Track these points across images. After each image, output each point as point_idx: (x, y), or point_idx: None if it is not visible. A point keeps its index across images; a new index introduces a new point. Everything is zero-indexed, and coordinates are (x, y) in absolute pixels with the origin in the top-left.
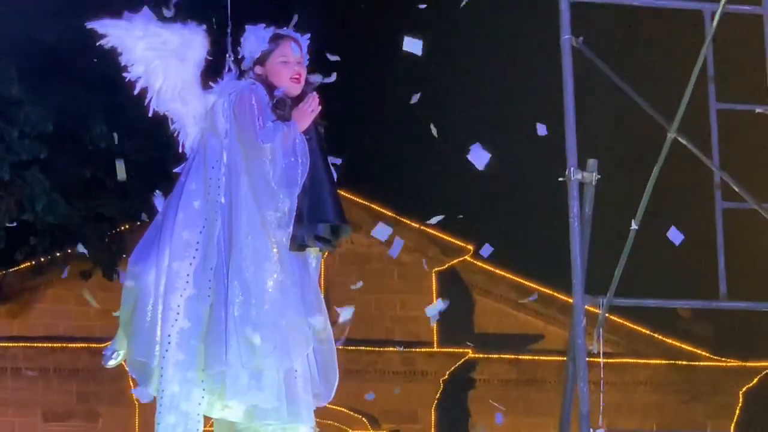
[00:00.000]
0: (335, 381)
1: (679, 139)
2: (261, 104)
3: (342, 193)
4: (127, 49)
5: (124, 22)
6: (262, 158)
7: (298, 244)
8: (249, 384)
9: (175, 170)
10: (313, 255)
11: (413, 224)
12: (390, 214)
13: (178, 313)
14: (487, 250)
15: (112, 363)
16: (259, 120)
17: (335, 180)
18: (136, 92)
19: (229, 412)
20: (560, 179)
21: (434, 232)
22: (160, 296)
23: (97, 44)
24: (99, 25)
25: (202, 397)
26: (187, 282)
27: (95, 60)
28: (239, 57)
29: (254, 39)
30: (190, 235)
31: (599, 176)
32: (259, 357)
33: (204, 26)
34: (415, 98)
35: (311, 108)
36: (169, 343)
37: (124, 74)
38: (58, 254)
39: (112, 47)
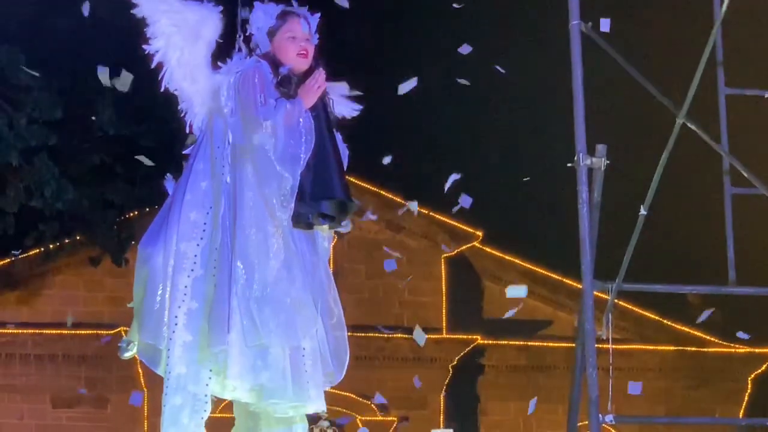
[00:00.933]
0: (346, 358)
1: (688, 124)
2: (264, 81)
3: (351, 179)
4: (154, 22)
5: None
6: (263, 135)
7: (303, 222)
8: (255, 363)
9: (185, 152)
10: (324, 234)
11: (422, 210)
12: (399, 200)
13: (185, 294)
14: (466, 201)
15: (127, 355)
16: (261, 97)
17: (345, 157)
18: (152, 66)
19: (236, 393)
20: (569, 165)
21: (443, 218)
22: (168, 277)
23: (131, 12)
24: None
25: (210, 378)
26: (195, 263)
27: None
28: (248, 34)
29: (262, 15)
30: (197, 215)
31: (608, 162)
32: (262, 335)
33: (221, 7)
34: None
35: (317, 84)
36: (176, 324)
37: (144, 46)
38: (66, 240)
39: (143, 17)
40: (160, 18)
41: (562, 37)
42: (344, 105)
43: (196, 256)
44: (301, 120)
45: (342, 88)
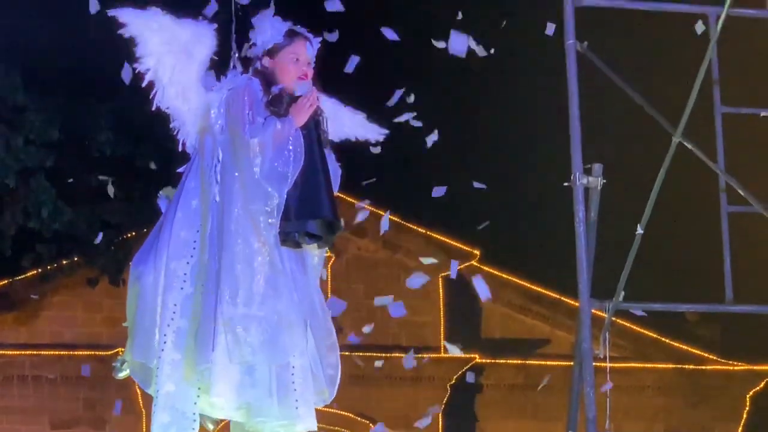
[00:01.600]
0: (337, 376)
1: (684, 143)
2: (253, 99)
3: (347, 198)
4: (143, 41)
5: (143, 12)
6: (250, 153)
7: (290, 241)
8: (241, 381)
9: (179, 170)
10: (314, 253)
11: (419, 229)
12: (396, 219)
13: (174, 313)
14: (439, 191)
15: (121, 375)
16: (249, 115)
17: (338, 177)
18: (144, 84)
19: (225, 412)
20: (566, 184)
21: (441, 237)
22: (158, 296)
23: (118, 32)
24: (120, 13)
25: (198, 396)
26: (185, 281)
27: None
28: (250, 43)
29: (270, 29)
30: (187, 234)
31: (605, 181)
32: (247, 352)
33: (215, 25)
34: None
35: (309, 103)
36: (165, 342)
37: (135, 65)
38: (64, 262)
39: (131, 37)
40: (151, 37)
41: (559, 56)
42: (369, 129)
43: (185, 274)
44: (290, 138)
45: (360, 115)
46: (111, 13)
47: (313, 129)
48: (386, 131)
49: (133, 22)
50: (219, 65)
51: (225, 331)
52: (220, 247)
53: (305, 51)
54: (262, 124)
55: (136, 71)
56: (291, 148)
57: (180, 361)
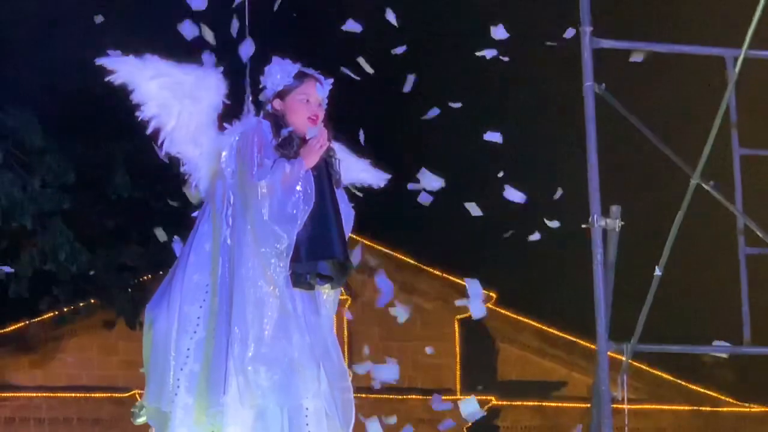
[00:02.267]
0: (352, 417)
1: (703, 184)
2: (262, 141)
3: (365, 241)
4: (137, 87)
5: (134, 59)
6: (258, 196)
7: (302, 283)
8: (254, 424)
9: (193, 215)
10: (327, 294)
11: (435, 272)
12: (412, 262)
13: (187, 357)
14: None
15: (140, 420)
16: (257, 158)
17: (351, 218)
18: (149, 132)
19: None
20: (584, 226)
21: (456, 280)
22: (172, 340)
23: (106, 80)
24: (108, 61)
25: None
26: (198, 325)
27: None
28: (261, 87)
29: (279, 72)
30: (200, 277)
31: (623, 223)
32: (257, 395)
33: (221, 68)
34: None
35: (319, 144)
36: (178, 387)
37: (137, 113)
38: (81, 304)
39: (122, 84)
40: (146, 83)
41: (577, 98)
42: (372, 174)
43: (198, 318)
44: (300, 180)
45: (365, 162)
46: (99, 61)
47: (324, 170)
48: (389, 176)
49: (122, 69)
50: (233, 109)
51: (236, 374)
52: (231, 290)
53: (315, 92)
54: (271, 166)
55: (140, 118)
56: (300, 189)
57: (192, 405)
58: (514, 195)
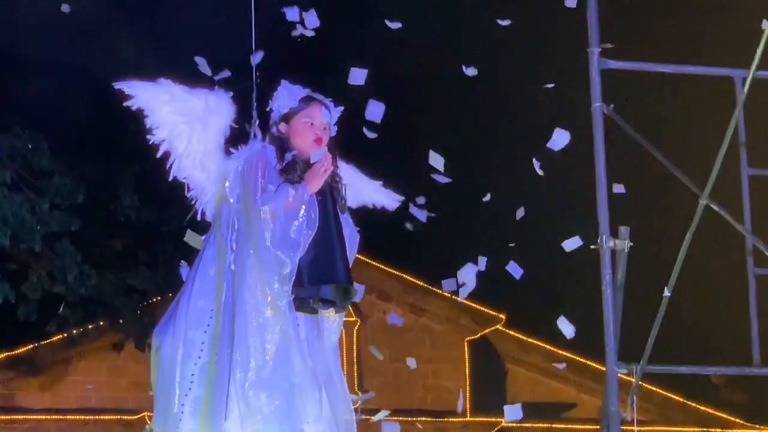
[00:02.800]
0: None
1: (711, 205)
2: (266, 166)
3: (374, 263)
4: (152, 112)
5: (151, 84)
6: (260, 221)
7: (306, 307)
8: None
9: (201, 238)
10: (331, 319)
11: (445, 294)
12: (421, 284)
13: (192, 382)
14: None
15: None
16: (261, 183)
17: (356, 242)
18: (158, 155)
19: None
20: (592, 247)
21: (466, 302)
22: (177, 366)
23: (124, 105)
24: (127, 86)
25: None
26: (202, 350)
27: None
28: (268, 109)
29: (286, 95)
30: (205, 303)
31: (632, 244)
32: (258, 420)
33: (231, 93)
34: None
35: (324, 168)
36: (182, 412)
37: (148, 137)
38: (90, 326)
39: (139, 109)
40: (160, 108)
41: (585, 118)
42: (385, 195)
43: (203, 343)
44: (304, 205)
45: (376, 184)
46: (117, 85)
47: (329, 194)
48: (401, 198)
49: (140, 95)
50: (239, 133)
51: (237, 399)
52: (234, 314)
53: (320, 115)
54: (275, 191)
55: (151, 142)
56: (304, 214)
57: (196, 430)
58: (567, 328)
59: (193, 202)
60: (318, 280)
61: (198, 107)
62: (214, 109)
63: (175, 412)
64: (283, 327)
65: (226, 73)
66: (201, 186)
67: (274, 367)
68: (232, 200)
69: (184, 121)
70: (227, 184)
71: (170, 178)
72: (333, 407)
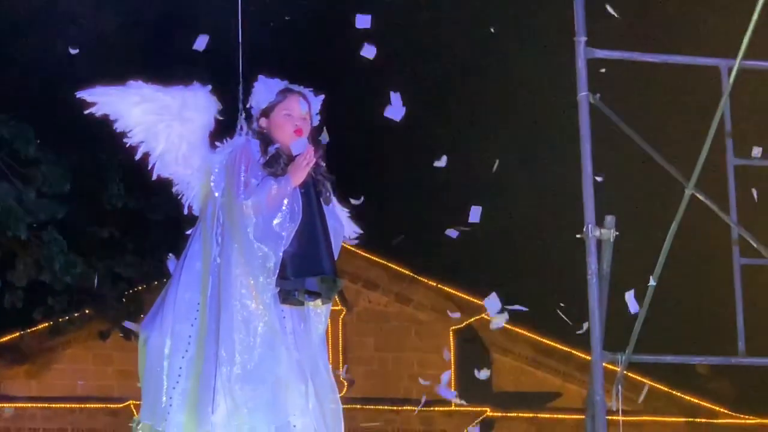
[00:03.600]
0: (341, 430)
1: (697, 194)
2: (249, 161)
3: (360, 252)
4: (121, 116)
5: (116, 88)
6: (243, 215)
7: (292, 299)
8: None
9: (187, 232)
10: (318, 309)
11: (431, 282)
12: (407, 273)
13: (179, 375)
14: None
15: None
16: (243, 176)
17: (341, 232)
18: (137, 157)
19: None
20: (578, 236)
21: (452, 291)
22: (164, 359)
23: (86, 113)
24: (87, 94)
25: None
26: (189, 343)
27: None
28: (248, 105)
29: (264, 89)
30: (192, 296)
31: (617, 233)
32: (244, 413)
33: (209, 86)
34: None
35: (306, 161)
36: (171, 405)
37: (125, 140)
38: (75, 314)
39: (104, 115)
40: (130, 110)
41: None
42: (348, 225)
43: (190, 336)
44: (287, 198)
45: (344, 212)
46: (79, 95)
47: (312, 186)
48: (361, 231)
49: (103, 101)
50: (225, 127)
51: (224, 393)
52: (219, 308)
53: (298, 106)
54: (257, 185)
55: (128, 145)
56: (287, 207)
57: (184, 423)
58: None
59: (179, 197)
60: (303, 272)
61: (173, 105)
62: (192, 104)
63: (163, 405)
64: (268, 320)
65: (203, 39)
66: (186, 181)
67: (260, 361)
68: (217, 194)
69: (160, 120)
70: (212, 178)
71: (154, 177)
72: (320, 399)
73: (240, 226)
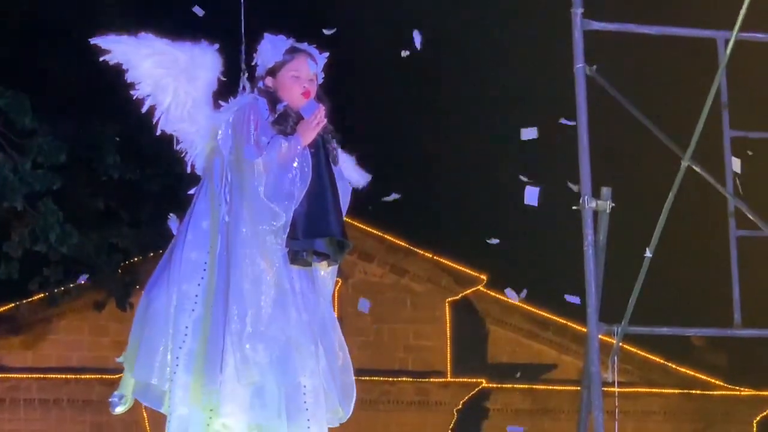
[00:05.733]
0: (353, 394)
1: (694, 167)
2: (258, 118)
3: (355, 223)
4: (132, 66)
5: (129, 38)
6: (253, 173)
7: (299, 260)
8: (251, 402)
9: (189, 192)
10: (325, 271)
11: (426, 254)
12: (403, 244)
13: (186, 335)
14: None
15: (120, 409)
16: (253, 134)
17: (348, 194)
18: (143, 110)
19: None
20: (574, 207)
21: (447, 262)
22: (170, 318)
23: (101, 59)
24: (103, 41)
25: (210, 419)
26: (196, 303)
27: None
28: (253, 63)
29: (270, 48)
30: (198, 255)
31: (613, 204)
32: (255, 372)
33: (216, 45)
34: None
35: (316, 121)
36: (177, 365)
37: (132, 92)
38: (71, 285)
39: (118, 63)
40: (142, 62)
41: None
42: (354, 172)
43: (197, 296)
44: (297, 157)
45: (350, 160)
46: (94, 41)
47: (321, 147)
48: (370, 176)
49: (118, 49)
50: (228, 86)
51: (233, 351)
52: (228, 267)
53: (306, 66)
54: (267, 143)
55: (135, 97)
56: (297, 166)
57: (190, 384)
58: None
59: (182, 155)
60: (312, 233)
61: (182, 60)
62: (200, 62)
63: (167, 365)
64: (278, 280)
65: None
66: (190, 139)
67: (270, 320)
68: (224, 153)
69: (168, 74)
70: (220, 136)
71: (158, 132)
72: (329, 360)
73: (250, 184)
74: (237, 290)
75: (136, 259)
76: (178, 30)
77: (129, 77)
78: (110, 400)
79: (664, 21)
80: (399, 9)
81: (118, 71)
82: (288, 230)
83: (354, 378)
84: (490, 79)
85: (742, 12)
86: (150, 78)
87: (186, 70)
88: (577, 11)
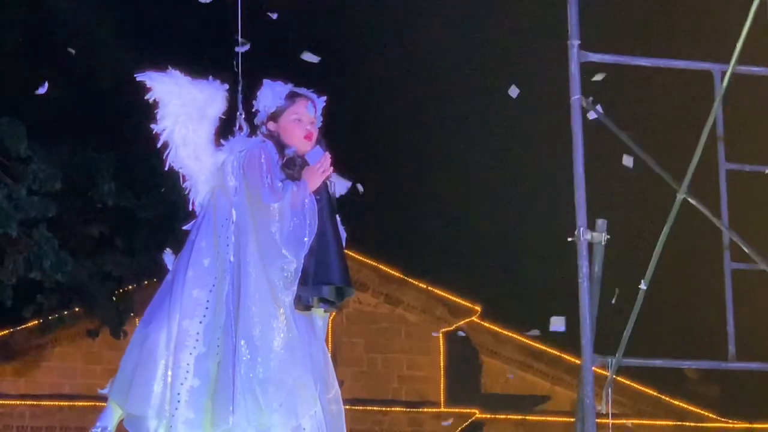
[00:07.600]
0: (343, 428)
1: (689, 199)
2: (270, 162)
3: (350, 253)
4: (164, 104)
5: (165, 75)
6: (269, 217)
7: (302, 305)
8: None
9: (185, 227)
10: (320, 315)
11: (420, 284)
12: (397, 274)
13: (187, 372)
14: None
15: None
16: (268, 178)
17: (343, 241)
18: (159, 144)
19: None
20: (569, 239)
21: (441, 293)
22: (170, 354)
23: (145, 98)
24: (147, 77)
25: None
26: (197, 340)
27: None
28: (253, 110)
29: (270, 94)
30: (200, 293)
31: (608, 236)
32: (265, 415)
33: (226, 85)
34: None
35: (322, 168)
36: (179, 401)
37: (152, 126)
38: (65, 312)
39: (155, 101)
40: (171, 99)
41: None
42: (337, 182)
43: (198, 333)
44: (306, 202)
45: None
46: (139, 77)
47: (326, 194)
48: (350, 183)
49: (158, 87)
50: (225, 124)
51: (243, 393)
52: (238, 308)
53: (306, 110)
54: (281, 188)
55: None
56: (307, 213)
57: (194, 421)
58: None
59: (187, 192)
60: (319, 280)
61: (199, 98)
62: (211, 101)
63: (168, 400)
64: (287, 323)
65: None
66: (195, 177)
67: (280, 363)
68: (232, 193)
69: (186, 112)
70: (228, 175)
71: (166, 167)
72: (321, 399)
73: (263, 227)
74: (247, 332)
75: (130, 287)
76: (176, 60)
77: (159, 113)
78: (92, 431)
79: (661, 53)
80: (397, 46)
81: (114, 99)
82: (299, 275)
83: (344, 413)
84: (490, 115)
85: (739, 45)
86: (172, 115)
87: (200, 108)
88: (574, 43)
